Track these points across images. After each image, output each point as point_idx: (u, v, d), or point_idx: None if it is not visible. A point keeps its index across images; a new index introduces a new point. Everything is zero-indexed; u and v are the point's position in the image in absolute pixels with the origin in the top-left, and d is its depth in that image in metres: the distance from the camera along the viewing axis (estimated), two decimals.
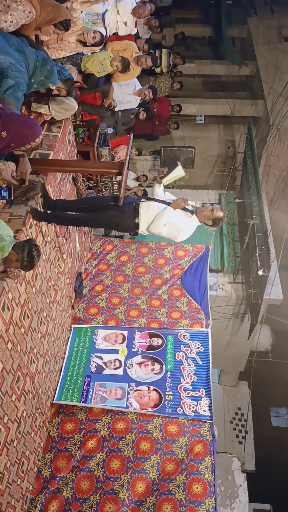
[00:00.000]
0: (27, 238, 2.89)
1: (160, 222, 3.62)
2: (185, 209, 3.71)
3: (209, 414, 4.27)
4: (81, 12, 4.09)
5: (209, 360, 4.67)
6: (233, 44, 10.55)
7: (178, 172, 3.74)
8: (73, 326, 4.85)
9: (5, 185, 3.02)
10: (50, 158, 3.82)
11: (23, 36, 3.22)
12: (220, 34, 10.09)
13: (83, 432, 4.10)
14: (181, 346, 4.75)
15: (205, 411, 4.29)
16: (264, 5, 10.85)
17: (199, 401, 4.34)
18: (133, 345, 4.73)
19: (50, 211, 3.74)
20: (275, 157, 8.93)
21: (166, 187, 4.07)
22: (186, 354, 4.69)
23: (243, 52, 10.57)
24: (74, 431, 4.11)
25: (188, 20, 10.98)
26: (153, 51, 6.19)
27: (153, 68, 6.44)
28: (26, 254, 2.78)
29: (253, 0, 10.87)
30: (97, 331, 4.83)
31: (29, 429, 3.58)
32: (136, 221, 3.72)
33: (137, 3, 5.28)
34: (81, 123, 4.96)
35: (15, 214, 3.32)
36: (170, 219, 3.65)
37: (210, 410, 4.30)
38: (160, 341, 4.80)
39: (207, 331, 4.91)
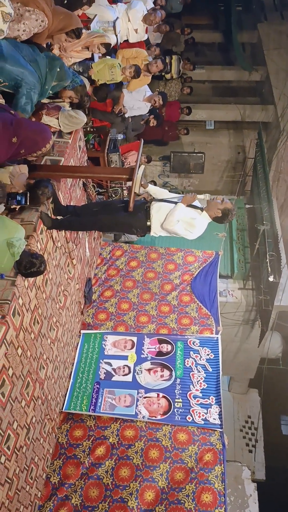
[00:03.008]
0: (30, 252, 2.89)
1: (173, 218, 3.60)
2: (194, 207, 3.69)
3: (219, 423, 4.22)
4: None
5: (219, 367, 4.63)
6: (243, 50, 10.55)
7: (140, 172, 3.64)
8: (82, 331, 4.85)
9: (21, 190, 3.05)
10: (61, 164, 3.84)
11: (35, 43, 3.26)
12: (230, 39, 10.11)
13: (92, 439, 4.08)
14: (191, 352, 4.71)
15: (215, 419, 4.24)
16: (274, 10, 10.85)
17: (209, 409, 4.30)
18: (142, 351, 4.71)
19: (60, 217, 3.75)
20: (285, 163, 8.88)
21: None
22: (195, 361, 4.65)
23: (253, 58, 10.57)
24: (83, 438, 4.09)
25: (198, 26, 11.01)
26: (162, 56, 6.21)
27: (163, 74, 6.47)
28: (23, 269, 2.81)
29: (263, 6, 10.88)
30: (106, 337, 4.82)
31: (38, 435, 3.57)
32: (148, 223, 3.71)
33: (148, 11, 5.31)
34: (92, 129, 4.99)
35: (26, 219, 3.33)
36: (182, 215, 3.63)
37: (220, 418, 4.25)
38: (169, 347, 4.76)
39: (217, 337, 4.87)
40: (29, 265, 2.83)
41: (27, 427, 3.32)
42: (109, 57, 4.71)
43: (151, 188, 3.83)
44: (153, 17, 5.26)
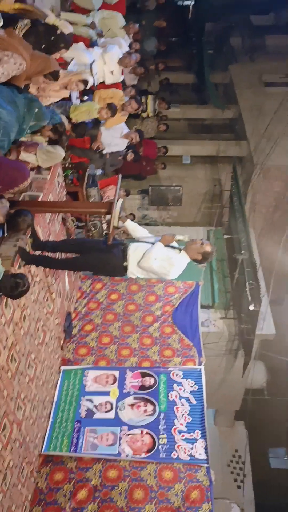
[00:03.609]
0: (11, 274, 2.92)
1: (151, 255, 3.60)
2: (173, 248, 3.74)
3: (205, 457, 4.11)
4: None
5: (203, 399, 4.55)
6: (216, 89, 11.09)
7: (118, 206, 3.72)
8: (62, 368, 4.73)
9: (2, 221, 3.08)
10: (40, 199, 3.88)
11: (13, 85, 3.37)
12: (203, 80, 10.64)
13: (73, 481, 3.90)
14: (174, 385, 4.64)
15: (201, 454, 4.13)
16: (243, 53, 11.55)
17: (194, 444, 4.19)
18: (124, 386, 4.61)
19: (39, 252, 3.75)
20: (260, 194, 9.19)
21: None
22: (179, 394, 4.57)
23: (226, 97, 11.12)
24: (63, 481, 3.90)
25: (172, 68, 11.58)
26: (138, 96, 6.48)
27: (139, 112, 6.72)
28: (9, 291, 2.81)
29: (233, 49, 11.57)
30: (87, 373, 4.71)
31: (15, 481, 3.40)
32: (125, 264, 3.72)
33: (123, 54, 5.58)
34: (70, 166, 5.09)
35: (3, 254, 3.31)
36: (160, 254, 3.64)
37: (206, 453, 4.14)
38: (152, 380, 4.68)
39: (200, 368, 4.82)
40: (15, 285, 2.85)
41: (4, 472, 3.16)
42: (86, 101, 4.88)
43: (129, 224, 3.87)
44: (128, 60, 5.52)
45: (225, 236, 8.38)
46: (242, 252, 7.00)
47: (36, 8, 3.99)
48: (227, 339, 7.51)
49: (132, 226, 3.88)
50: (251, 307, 6.64)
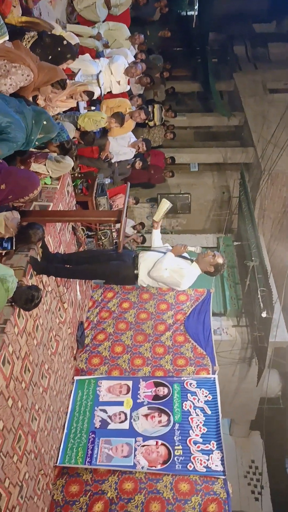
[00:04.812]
0: (26, 286, 2.92)
1: (161, 265, 3.58)
2: (185, 258, 3.70)
3: (222, 469, 4.01)
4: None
5: (218, 409, 4.47)
6: (221, 97, 11.15)
7: (164, 204, 3.79)
8: (75, 378, 4.69)
9: (8, 235, 3.07)
10: (50, 209, 3.88)
11: (21, 97, 3.40)
12: (208, 88, 10.70)
13: (89, 494, 3.83)
14: (188, 394, 4.57)
15: (217, 465, 4.03)
16: (247, 61, 11.63)
17: (210, 455, 4.10)
18: (138, 396, 4.55)
19: (48, 262, 3.74)
20: (269, 200, 9.13)
21: (164, 232, 4.12)
22: (193, 404, 4.49)
23: (231, 104, 11.16)
24: (79, 494, 3.84)
25: (177, 77, 11.69)
26: (145, 106, 6.53)
27: (146, 122, 6.75)
28: (24, 303, 2.81)
29: (237, 58, 11.66)
30: (101, 383, 4.66)
31: (31, 493, 3.34)
32: (135, 272, 3.69)
33: (129, 64, 5.62)
34: (79, 175, 5.11)
35: (15, 265, 3.31)
36: (171, 264, 3.61)
37: (222, 464, 4.05)
38: (166, 390, 4.61)
39: (214, 377, 4.74)
40: (31, 297, 2.87)
41: (20, 484, 3.11)
42: (94, 111, 4.91)
43: (156, 232, 3.93)
44: (134, 70, 5.56)
45: (235, 243, 8.31)
46: (253, 258, 6.92)
47: (43, 20, 4.05)
48: (240, 347, 7.40)
49: (156, 236, 3.93)
50: (264, 314, 6.53)
